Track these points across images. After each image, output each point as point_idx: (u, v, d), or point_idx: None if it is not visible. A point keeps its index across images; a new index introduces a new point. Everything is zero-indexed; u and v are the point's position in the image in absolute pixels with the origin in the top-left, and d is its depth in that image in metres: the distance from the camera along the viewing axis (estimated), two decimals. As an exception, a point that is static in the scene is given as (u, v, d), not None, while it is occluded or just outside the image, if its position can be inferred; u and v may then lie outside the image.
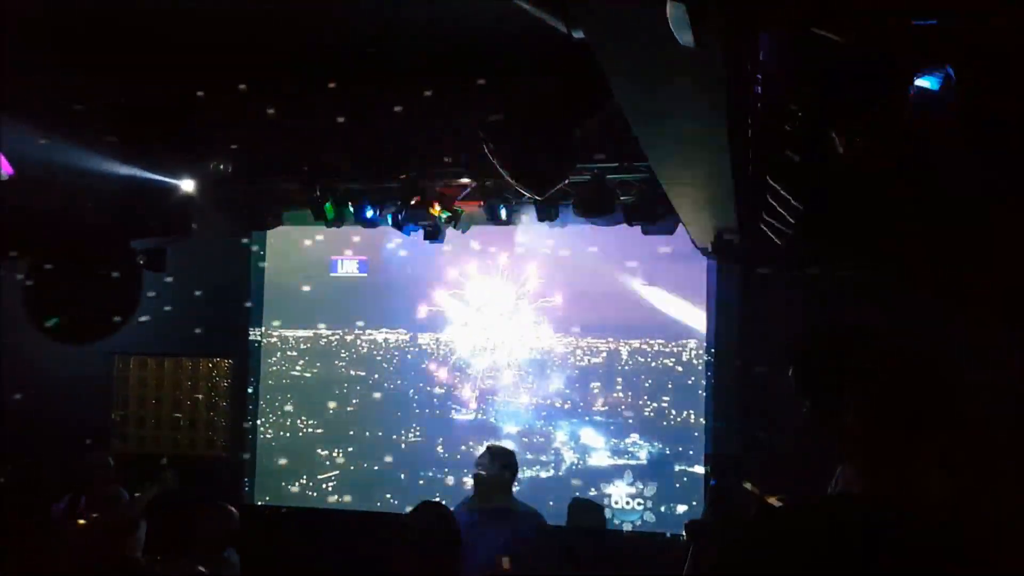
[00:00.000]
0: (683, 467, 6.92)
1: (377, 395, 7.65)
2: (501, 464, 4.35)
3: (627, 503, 6.96)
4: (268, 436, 7.85)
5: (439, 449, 7.49)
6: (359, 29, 5.27)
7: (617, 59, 2.75)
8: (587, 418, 7.16)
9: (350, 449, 7.65)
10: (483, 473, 4.30)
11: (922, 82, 3.09)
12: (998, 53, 3.14)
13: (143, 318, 7.78)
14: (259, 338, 7.90)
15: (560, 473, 7.18)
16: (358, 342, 7.78)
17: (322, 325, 7.84)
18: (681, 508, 6.87)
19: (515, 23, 3.28)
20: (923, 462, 1.71)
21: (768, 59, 3.20)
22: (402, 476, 7.48)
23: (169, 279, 7.60)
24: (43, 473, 5.68)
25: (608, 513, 6.98)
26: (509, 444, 7.24)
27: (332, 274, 7.81)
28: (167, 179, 6.60)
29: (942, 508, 1.70)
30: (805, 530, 1.69)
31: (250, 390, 7.86)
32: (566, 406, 7.23)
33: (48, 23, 5.08)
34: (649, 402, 7.05)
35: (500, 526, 4.08)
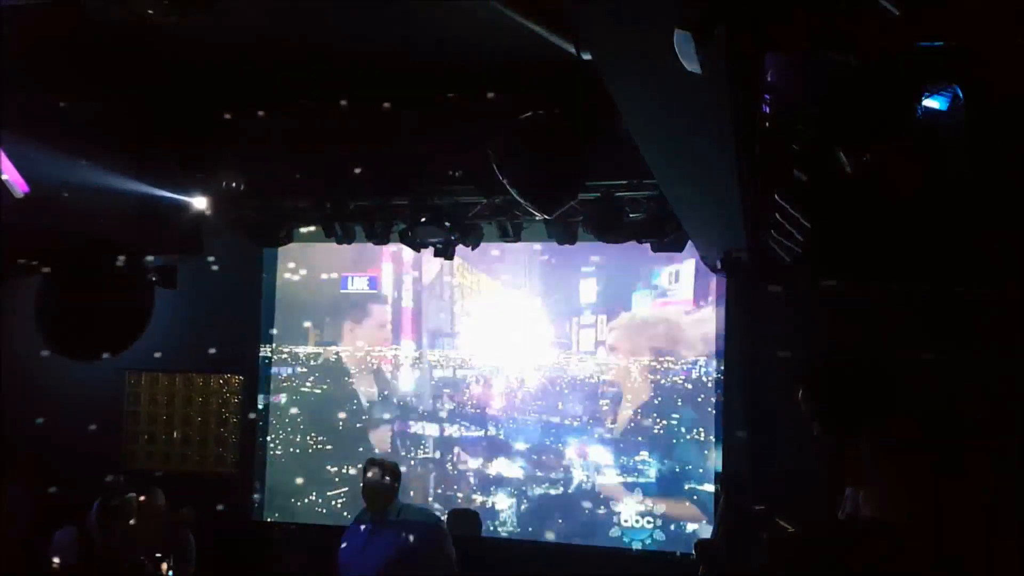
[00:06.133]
0: (693, 485, 6.88)
1: (387, 412, 7.65)
2: (384, 473, 4.47)
3: (636, 521, 6.93)
4: (278, 452, 7.86)
5: (448, 466, 7.49)
6: (370, 48, 5.31)
7: (624, 81, 2.77)
8: (597, 435, 7.15)
9: (360, 465, 7.63)
10: (371, 484, 4.45)
11: (930, 102, 3.10)
12: (1005, 73, 3.15)
13: (154, 335, 7.80)
14: (269, 354, 7.92)
15: (570, 491, 7.16)
16: (368, 358, 7.79)
17: (332, 341, 7.86)
18: (691, 527, 6.84)
19: (525, 44, 3.30)
20: (937, 490, 1.72)
21: (775, 79, 3.21)
22: (412, 493, 7.47)
23: (180, 296, 7.64)
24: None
25: (617, 531, 6.96)
26: (519, 461, 7.27)
27: (343, 290, 7.84)
28: (179, 196, 6.65)
29: (953, 533, 1.70)
30: (825, 555, 1.69)
31: (260, 406, 7.88)
32: (575, 424, 7.22)
33: (63, 42, 5.14)
34: (659, 420, 7.02)
35: (388, 534, 4.25)
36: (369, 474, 4.40)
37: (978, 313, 4.67)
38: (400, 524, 4.34)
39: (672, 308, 7.01)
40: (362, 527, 4.30)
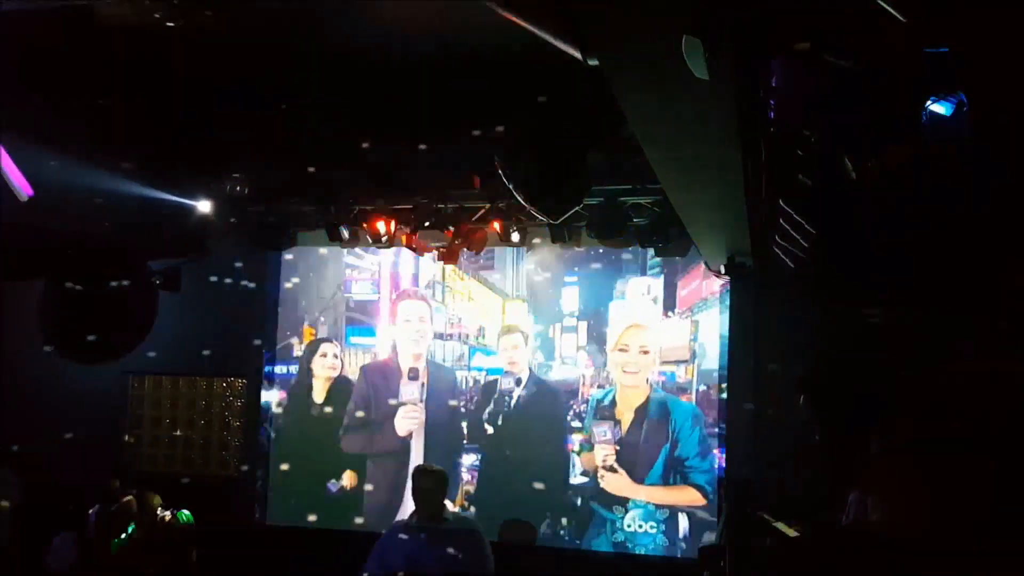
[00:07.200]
0: (695, 490, 6.86)
1: (423, 417, 7.63)
2: (436, 480, 4.44)
3: (640, 527, 6.92)
4: (282, 456, 7.86)
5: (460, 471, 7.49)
6: (376, 52, 5.32)
7: (631, 87, 2.78)
8: (600, 444, 7.12)
9: (366, 469, 7.65)
10: (425, 491, 4.42)
11: (935, 107, 3.11)
12: (1010, 79, 3.15)
13: (158, 339, 7.80)
14: (273, 357, 7.92)
15: (573, 495, 7.15)
16: (368, 360, 7.78)
17: (335, 345, 7.87)
18: (695, 533, 6.83)
19: (532, 49, 3.31)
20: (948, 493, 1.73)
21: (780, 84, 3.22)
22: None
23: (184, 299, 7.64)
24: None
25: (621, 536, 6.95)
26: (514, 463, 7.27)
27: (346, 294, 7.84)
28: (183, 200, 6.67)
29: (956, 537, 1.71)
30: (827, 560, 1.70)
31: (263, 410, 7.87)
32: (579, 427, 7.22)
33: (66, 45, 5.16)
34: (656, 422, 7.01)
35: (444, 543, 4.24)
36: (422, 481, 4.38)
37: (979, 315, 4.66)
38: (453, 529, 4.35)
39: (646, 317, 7.12)
40: (416, 534, 4.28)
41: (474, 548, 4.33)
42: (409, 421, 7.57)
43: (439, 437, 7.55)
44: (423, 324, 7.67)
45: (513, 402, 7.37)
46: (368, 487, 7.61)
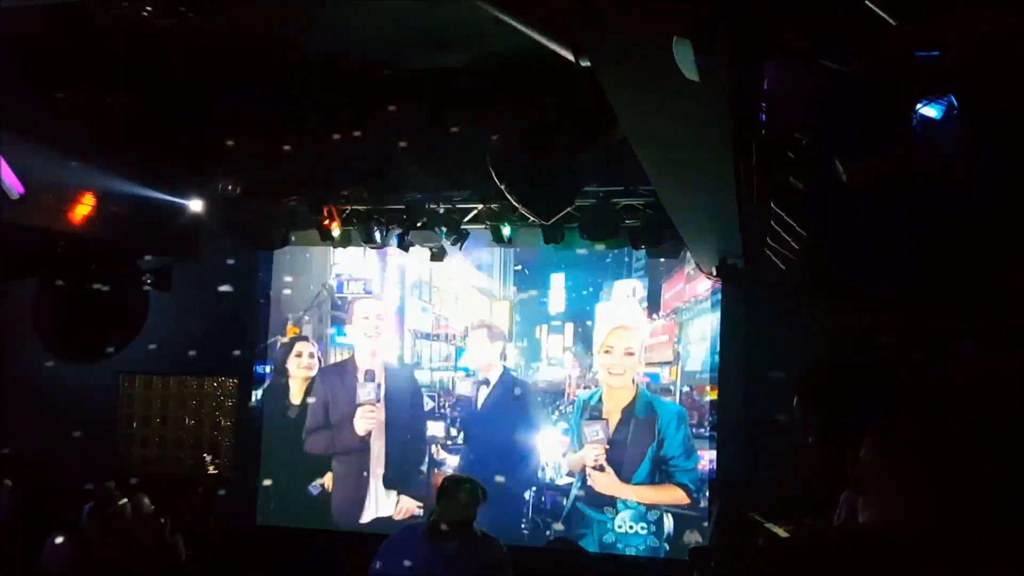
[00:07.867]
0: (686, 489, 6.88)
1: (382, 416, 7.64)
2: (476, 490, 4.41)
3: (631, 528, 6.93)
4: (273, 456, 7.85)
5: (431, 468, 7.50)
6: (368, 53, 5.33)
7: (622, 88, 2.79)
8: (591, 443, 7.12)
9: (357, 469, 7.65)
10: (464, 501, 4.37)
11: (925, 110, 3.12)
12: (1001, 82, 3.16)
13: (149, 338, 7.78)
14: (264, 357, 7.90)
15: (566, 497, 7.15)
16: (362, 360, 7.77)
17: (311, 344, 7.85)
18: (686, 534, 6.84)
19: (524, 51, 3.32)
20: (939, 494, 1.72)
21: (773, 87, 3.23)
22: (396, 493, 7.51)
23: (175, 298, 7.62)
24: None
25: (611, 538, 6.96)
26: (513, 468, 7.26)
27: (338, 294, 7.83)
28: (175, 199, 6.65)
29: (956, 538, 1.71)
30: (819, 563, 1.70)
31: (254, 410, 7.85)
32: (564, 429, 7.22)
33: (61, 44, 5.15)
34: (654, 427, 7.02)
35: (471, 551, 4.21)
36: (456, 492, 4.34)
37: (979, 315, 4.68)
38: (482, 539, 4.32)
39: (632, 318, 7.15)
40: (440, 542, 4.23)
41: (499, 556, 4.33)
42: (367, 421, 7.59)
43: (403, 437, 7.58)
44: (380, 322, 7.68)
45: (479, 404, 7.38)
46: (335, 486, 7.65)
